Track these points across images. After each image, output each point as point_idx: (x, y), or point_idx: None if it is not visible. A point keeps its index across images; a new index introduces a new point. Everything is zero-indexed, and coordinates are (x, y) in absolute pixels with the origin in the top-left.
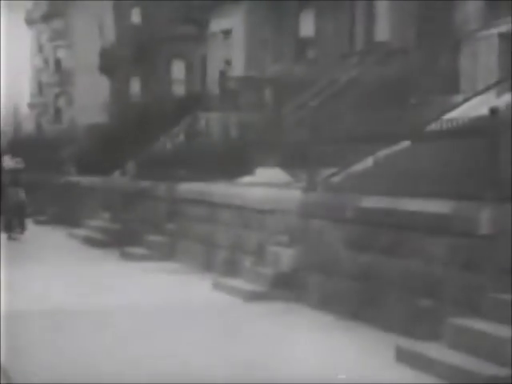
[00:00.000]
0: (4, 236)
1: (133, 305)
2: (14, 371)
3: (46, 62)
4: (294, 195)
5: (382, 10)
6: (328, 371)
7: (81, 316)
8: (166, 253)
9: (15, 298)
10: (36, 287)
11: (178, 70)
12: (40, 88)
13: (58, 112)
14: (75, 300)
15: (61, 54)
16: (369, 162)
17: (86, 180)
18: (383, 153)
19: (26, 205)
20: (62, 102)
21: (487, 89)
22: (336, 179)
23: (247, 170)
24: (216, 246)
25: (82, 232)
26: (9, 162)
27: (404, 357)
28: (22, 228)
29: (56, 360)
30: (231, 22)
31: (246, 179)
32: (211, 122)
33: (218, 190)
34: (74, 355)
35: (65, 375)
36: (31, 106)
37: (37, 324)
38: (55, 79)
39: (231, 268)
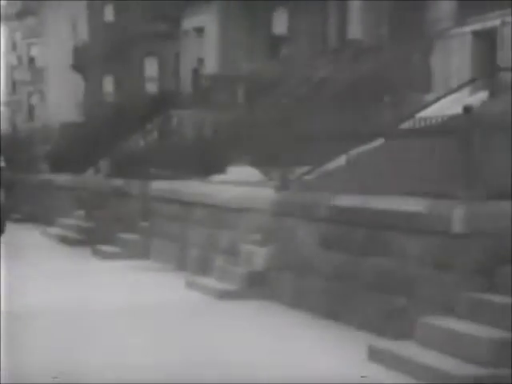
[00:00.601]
0: None
1: (101, 303)
2: None
3: (19, 59)
4: (266, 194)
5: (355, 8)
6: (299, 370)
7: (37, 314)
8: (138, 251)
9: None
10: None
11: (151, 67)
12: (14, 86)
13: (31, 110)
14: (38, 298)
15: (34, 51)
16: (342, 160)
17: (59, 178)
18: (356, 151)
19: (6, 206)
20: (35, 100)
21: (460, 87)
22: (309, 178)
23: (220, 168)
24: (189, 245)
25: (55, 230)
26: None
27: (376, 356)
28: (2, 230)
29: None
30: (204, 20)
31: (219, 177)
32: (184, 120)
33: (191, 188)
34: None
35: None
36: (5, 104)
37: None
38: (29, 77)
39: (204, 266)
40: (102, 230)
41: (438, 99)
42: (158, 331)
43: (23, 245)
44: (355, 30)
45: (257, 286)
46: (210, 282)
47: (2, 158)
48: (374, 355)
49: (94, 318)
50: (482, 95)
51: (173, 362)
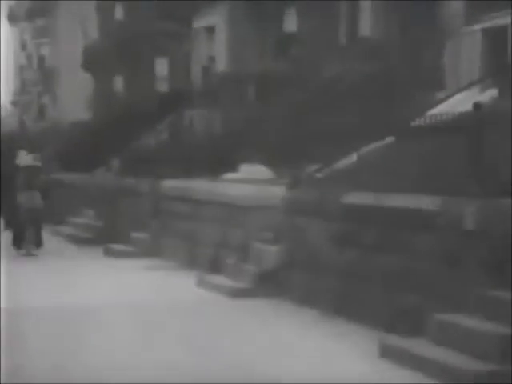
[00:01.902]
0: (13, 253)
1: (112, 302)
2: None
3: (29, 59)
4: (277, 192)
5: (366, 6)
6: (310, 367)
7: (48, 313)
8: (149, 250)
9: None
10: (16, 285)
11: (162, 66)
12: (23, 86)
13: (41, 110)
14: (48, 297)
15: (44, 51)
16: (353, 157)
17: (69, 177)
18: (367, 149)
19: (43, 212)
20: (45, 99)
21: (471, 84)
22: (320, 175)
23: (231, 166)
24: (200, 243)
25: (66, 229)
26: (23, 158)
27: (387, 353)
28: (39, 241)
29: None
30: (214, 19)
31: (230, 176)
32: (195, 118)
33: (202, 186)
34: None
35: None
36: (14, 103)
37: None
38: (38, 77)
39: (215, 265)
40: (113, 229)
41: (448, 97)
42: (169, 329)
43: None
44: (366, 27)
45: (268, 284)
46: (221, 280)
47: (39, 156)
48: (386, 352)
49: (105, 316)
50: (493, 93)
51: (187, 361)
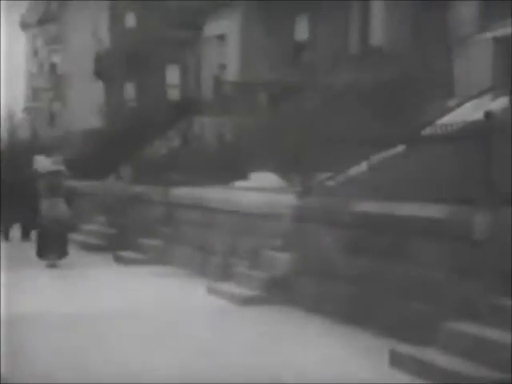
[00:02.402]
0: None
1: (122, 309)
2: None
3: (40, 66)
4: (288, 199)
5: (377, 13)
6: (319, 375)
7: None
8: (160, 257)
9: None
10: (28, 290)
11: (173, 74)
12: (35, 92)
13: (52, 117)
14: (58, 303)
15: (56, 58)
16: (363, 166)
17: (81, 184)
18: (378, 157)
19: (68, 221)
20: (56, 106)
21: (482, 93)
22: (331, 183)
23: (242, 174)
24: (210, 251)
25: (77, 237)
26: (44, 162)
27: (398, 361)
28: (63, 252)
29: None
30: (226, 27)
31: (241, 184)
32: (206, 126)
33: (213, 194)
34: None
35: None
36: (26, 110)
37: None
38: (50, 84)
39: (226, 272)
40: (124, 236)
41: (459, 105)
42: (177, 336)
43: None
44: (377, 35)
45: (278, 291)
46: (232, 287)
47: (62, 160)
48: (396, 361)
49: (118, 323)
50: (503, 101)
51: (197, 368)
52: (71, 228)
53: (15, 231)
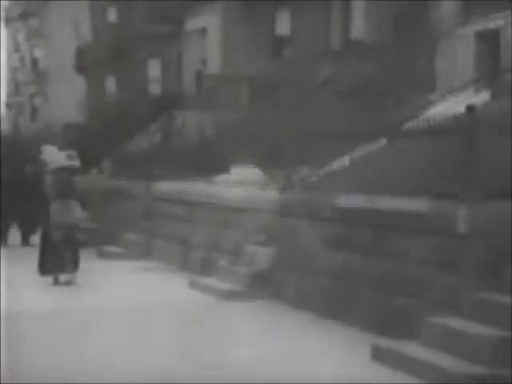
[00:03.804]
0: (42, 280)
1: (105, 304)
2: None
3: (22, 60)
4: (270, 194)
5: (359, 8)
6: (301, 370)
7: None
8: (142, 251)
9: None
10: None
11: (154, 68)
12: (16, 87)
13: (34, 111)
14: (48, 300)
15: (37, 53)
16: (345, 160)
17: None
18: (360, 151)
19: (81, 227)
20: (38, 101)
21: (464, 87)
22: (312, 178)
23: (223, 168)
24: (192, 245)
25: None
26: (57, 157)
27: (380, 355)
28: (75, 265)
29: None
30: (207, 21)
31: (222, 178)
32: (187, 120)
33: (194, 188)
34: None
35: None
36: (8, 105)
37: None
38: (32, 78)
39: (207, 267)
40: (106, 231)
41: (441, 99)
42: (159, 331)
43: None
44: (358, 30)
45: (260, 286)
46: (213, 282)
47: (75, 154)
48: (378, 355)
49: (99, 316)
50: (485, 95)
51: (175, 362)
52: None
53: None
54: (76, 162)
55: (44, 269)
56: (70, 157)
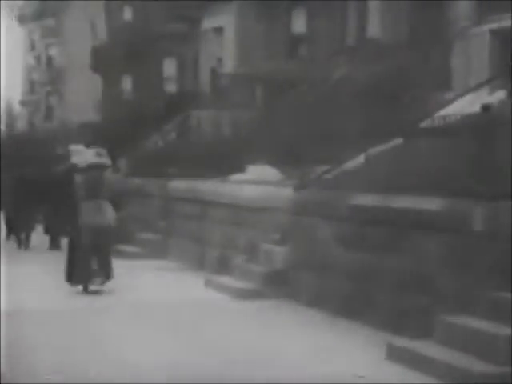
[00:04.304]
0: (70, 289)
1: (120, 302)
2: None
3: (37, 59)
4: (285, 193)
5: (375, 7)
6: (316, 369)
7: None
8: (158, 251)
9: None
10: (25, 286)
11: (170, 67)
12: (32, 86)
13: (49, 110)
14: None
15: (53, 51)
16: (361, 159)
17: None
18: (375, 150)
19: (114, 233)
20: (53, 100)
21: (479, 86)
22: (328, 177)
23: (239, 167)
24: (208, 244)
25: None
26: (86, 155)
27: (395, 354)
28: (107, 273)
29: None
30: (223, 20)
31: (238, 177)
32: (203, 119)
33: (210, 187)
34: None
35: None
36: (23, 103)
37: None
38: (47, 77)
39: (223, 266)
40: (122, 230)
41: (456, 98)
42: (177, 330)
43: (43, 247)
44: (374, 28)
45: (276, 285)
46: (229, 281)
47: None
48: (393, 354)
49: (116, 316)
50: (501, 94)
51: (193, 361)
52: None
53: (35, 237)
54: (106, 160)
55: (71, 277)
56: (99, 154)
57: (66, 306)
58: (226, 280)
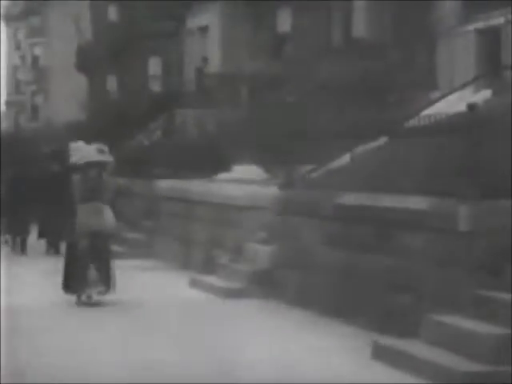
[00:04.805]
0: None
1: (103, 302)
2: None
3: (22, 59)
4: (271, 192)
5: (359, 6)
6: (301, 368)
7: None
8: (142, 250)
9: None
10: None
11: (155, 66)
12: (17, 86)
13: (35, 110)
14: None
15: (38, 51)
16: (346, 158)
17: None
18: (361, 149)
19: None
20: (39, 99)
21: (465, 85)
22: (313, 176)
23: (224, 167)
24: (193, 243)
25: None
26: (85, 152)
27: (381, 353)
28: (107, 282)
29: None
30: (208, 19)
31: (223, 176)
32: (188, 119)
33: (195, 187)
34: None
35: None
36: (8, 103)
37: None
38: (32, 77)
39: (208, 265)
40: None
41: (442, 97)
42: (160, 330)
43: (39, 251)
44: (360, 27)
45: (261, 284)
46: (214, 280)
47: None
48: (378, 353)
49: (100, 315)
50: (486, 93)
51: (173, 361)
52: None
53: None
54: (108, 157)
55: (67, 285)
56: (100, 151)
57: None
58: (211, 279)
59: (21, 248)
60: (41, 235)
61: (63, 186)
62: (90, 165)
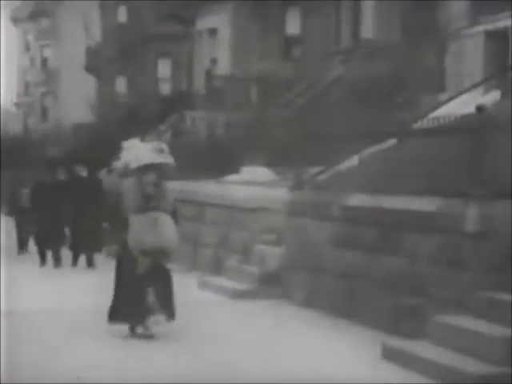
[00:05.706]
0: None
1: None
2: None
3: (32, 60)
4: (280, 194)
5: (368, 7)
6: (311, 369)
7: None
8: None
9: None
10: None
11: (165, 68)
12: (26, 87)
13: (44, 111)
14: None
15: (47, 52)
16: (355, 160)
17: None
18: (369, 151)
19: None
20: (48, 101)
21: (473, 87)
22: (322, 178)
23: (233, 168)
24: (202, 245)
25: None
26: (140, 152)
27: (390, 354)
28: (170, 311)
29: None
30: (217, 21)
31: (233, 178)
32: (197, 120)
33: (205, 188)
34: None
35: None
36: (18, 105)
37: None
38: (42, 78)
39: (217, 266)
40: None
41: (450, 99)
42: (167, 332)
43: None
44: (368, 29)
45: (270, 285)
46: (223, 281)
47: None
48: (388, 354)
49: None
50: (495, 95)
51: (186, 363)
52: None
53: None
54: (169, 159)
55: (115, 313)
56: (160, 151)
57: None
58: (220, 281)
59: (54, 260)
60: (72, 247)
61: (92, 193)
62: (146, 168)
